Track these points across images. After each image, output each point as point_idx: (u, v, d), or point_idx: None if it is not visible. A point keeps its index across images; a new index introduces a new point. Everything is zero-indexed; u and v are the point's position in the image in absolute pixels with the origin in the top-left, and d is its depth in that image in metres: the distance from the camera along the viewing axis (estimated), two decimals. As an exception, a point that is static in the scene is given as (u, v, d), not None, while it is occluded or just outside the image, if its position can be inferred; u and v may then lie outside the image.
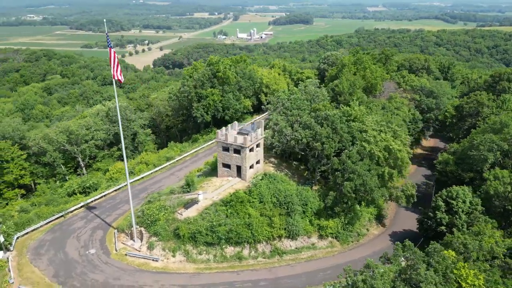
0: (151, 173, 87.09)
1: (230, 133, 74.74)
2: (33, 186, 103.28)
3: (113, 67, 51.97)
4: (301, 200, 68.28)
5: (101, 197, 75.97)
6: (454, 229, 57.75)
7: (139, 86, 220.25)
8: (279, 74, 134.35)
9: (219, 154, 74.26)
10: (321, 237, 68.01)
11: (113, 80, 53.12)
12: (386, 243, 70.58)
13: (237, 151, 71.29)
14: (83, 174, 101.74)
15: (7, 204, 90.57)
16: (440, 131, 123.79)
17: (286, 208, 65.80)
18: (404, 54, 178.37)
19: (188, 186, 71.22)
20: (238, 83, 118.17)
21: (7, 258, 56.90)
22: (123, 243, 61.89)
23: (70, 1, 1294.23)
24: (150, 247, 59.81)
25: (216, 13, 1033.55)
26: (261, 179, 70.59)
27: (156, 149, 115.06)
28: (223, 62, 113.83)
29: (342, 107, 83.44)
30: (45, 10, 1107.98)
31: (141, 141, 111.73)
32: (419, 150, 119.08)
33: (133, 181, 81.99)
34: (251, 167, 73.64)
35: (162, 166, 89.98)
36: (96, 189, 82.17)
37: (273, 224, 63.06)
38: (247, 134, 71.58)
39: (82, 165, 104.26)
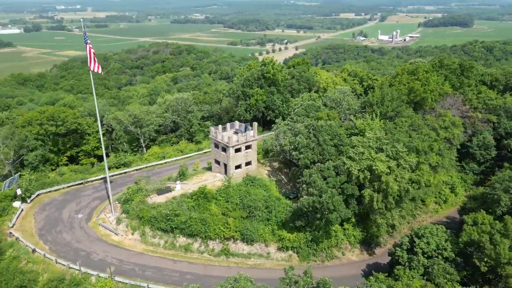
0: (176, 159, 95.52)
1: (227, 132, 77.72)
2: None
3: (90, 60, 61.01)
4: (267, 208, 67.11)
5: (120, 173, 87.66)
6: (396, 270, 49.67)
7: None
8: (344, 79, 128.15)
9: (212, 150, 78.05)
10: (281, 248, 65.82)
11: (90, 72, 62.32)
12: (354, 272, 64.08)
13: (224, 150, 73.98)
14: (142, 153, 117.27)
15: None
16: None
17: (248, 212, 65.94)
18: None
19: (181, 175, 77.22)
20: (291, 85, 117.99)
21: (20, 208, 72.09)
22: (105, 215, 71.52)
23: (230, 1, 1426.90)
24: (118, 222, 67.93)
25: (363, 14, 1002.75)
26: (241, 180, 71.78)
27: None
28: (273, 63, 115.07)
29: (354, 119, 77.14)
30: (208, 10, 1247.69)
31: (194, 131, 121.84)
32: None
33: (156, 164, 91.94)
34: (238, 167, 75.35)
35: (188, 155, 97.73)
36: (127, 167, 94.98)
37: (226, 225, 64.22)
38: (237, 134, 73.53)
39: (143, 145, 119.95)
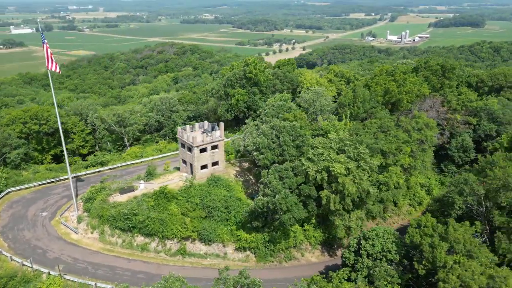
0: (152, 159, 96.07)
1: (195, 132, 77.92)
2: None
3: (48, 60, 61.80)
4: (227, 208, 67.01)
5: (94, 172, 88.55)
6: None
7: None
8: (330, 80, 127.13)
9: (180, 150, 78.29)
10: (239, 249, 65.67)
11: (48, 71, 63.15)
12: (310, 273, 63.41)
13: (190, 149, 74.15)
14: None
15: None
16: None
17: (207, 212, 66.00)
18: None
19: (148, 175, 77.67)
20: (274, 86, 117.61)
21: (-11, 205, 73.45)
22: (69, 213, 72.30)
23: (240, 2, 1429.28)
24: (78, 220, 68.61)
25: (373, 14, 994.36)
26: (205, 180, 71.86)
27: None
28: (256, 64, 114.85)
29: (321, 120, 76.53)
30: (219, 10, 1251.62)
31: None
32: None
33: (131, 164, 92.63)
34: (204, 167, 75.42)
35: (165, 155, 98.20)
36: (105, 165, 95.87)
37: (184, 224, 64.35)
38: (205, 134, 73.68)
39: (127, 144, 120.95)
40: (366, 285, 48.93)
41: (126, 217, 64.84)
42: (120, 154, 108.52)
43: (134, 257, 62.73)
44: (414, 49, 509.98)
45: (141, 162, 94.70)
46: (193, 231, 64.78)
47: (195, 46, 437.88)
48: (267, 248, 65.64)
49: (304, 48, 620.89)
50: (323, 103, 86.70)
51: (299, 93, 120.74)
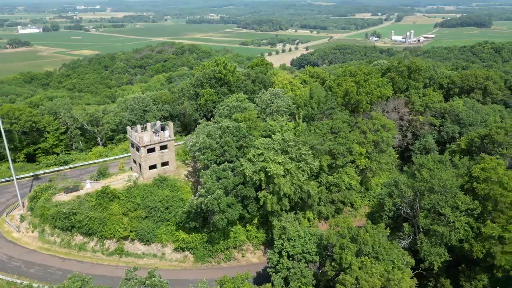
0: (115, 158, 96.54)
1: (146, 132, 78.15)
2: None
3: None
4: (167, 209, 67.08)
5: (52, 172, 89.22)
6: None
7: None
8: (304, 80, 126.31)
9: (130, 149, 78.56)
10: (177, 249, 65.71)
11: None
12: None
13: (138, 149, 74.36)
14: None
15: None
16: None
17: (147, 212, 66.19)
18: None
19: (99, 174, 78.14)
20: (246, 86, 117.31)
21: None
22: (17, 212, 72.98)
23: (246, 2, 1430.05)
24: (21, 219, 69.30)
25: (379, 14, 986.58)
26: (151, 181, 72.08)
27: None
28: (225, 64, 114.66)
29: (269, 121, 76.25)
30: (225, 10, 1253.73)
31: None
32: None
33: (92, 163, 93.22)
34: (153, 167, 75.54)
35: (128, 154, 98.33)
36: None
37: (121, 224, 64.61)
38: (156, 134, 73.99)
39: (100, 143, 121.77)
40: (283, 286, 48.66)
41: (65, 216, 65.28)
42: (86, 153, 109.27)
43: (70, 257, 63.17)
44: (416, 50, 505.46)
45: (104, 161, 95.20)
46: (131, 231, 65.02)
47: (194, 46, 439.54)
48: (206, 249, 65.57)
49: (307, 48, 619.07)
50: (279, 104, 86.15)
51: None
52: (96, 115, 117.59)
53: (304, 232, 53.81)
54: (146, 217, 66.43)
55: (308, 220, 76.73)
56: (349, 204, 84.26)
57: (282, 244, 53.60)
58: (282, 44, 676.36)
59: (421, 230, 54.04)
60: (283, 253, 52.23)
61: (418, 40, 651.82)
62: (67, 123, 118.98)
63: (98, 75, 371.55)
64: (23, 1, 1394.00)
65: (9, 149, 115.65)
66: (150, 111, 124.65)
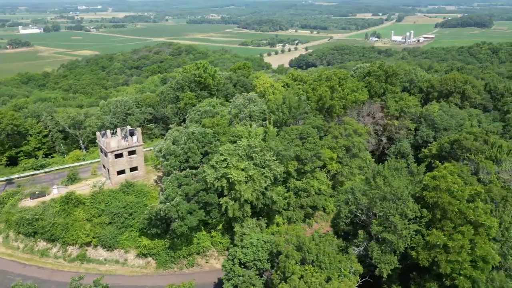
0: (91, 162, 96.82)
1: (116, 137, 78.50)
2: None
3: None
4: (131, 215, 67.41)
5: (27, 176, 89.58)
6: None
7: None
8: (286, 84, 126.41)
9: (100, 154, 78.95)
10: (140, 255, 66.02)
11: None
12: (208, 281, 63.58)
13: (106, 154, 74.75)
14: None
15: None
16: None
17: (110, 218, 66.55)
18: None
19: (68, 179, 78.61)
20: (227, 89, 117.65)
21: None
22: (-15, 216, 73.43)
23: (248, 2, 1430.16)
24: (-13, 224, 69.80)
25: (380, 14, 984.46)
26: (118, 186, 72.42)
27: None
28: (205, 68, 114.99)
29: (237, 126, 76.47)
30: (226, 10, 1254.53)
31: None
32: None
33: (67, 167, 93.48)
34: (121, 172, 75.91)
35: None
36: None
37: (83, 230, 65.01)
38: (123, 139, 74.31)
39: (82, 147, 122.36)
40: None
41: (28, 222, 65.71)
42: (64, 157, 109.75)
43: (31, 262, 63.63)
44: (414, 50, 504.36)
45: (80, 165, 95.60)
46: (94, 237, 65.39)
47: (190, 46, 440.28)
48: (168, 255, 65.82)
49: (306, 49, 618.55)
50: (252, 109, 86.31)
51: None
52: (78, 118, 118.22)
53: (257, 239, 53.95)
54: (110, 223, 66.78)
55: (277, 225, 77.02)
56: (322, 209, 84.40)
57: (235, 252, 53.81)
58: (281, 44, 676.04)
59: (374, 237, 54.13)
60: (235, 260, 52.47)
61: (418, 41, 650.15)
62: (48, 126, 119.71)
63: (95, 76, 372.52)
64: (24, 1, 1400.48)
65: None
66: (133, 114, 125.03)
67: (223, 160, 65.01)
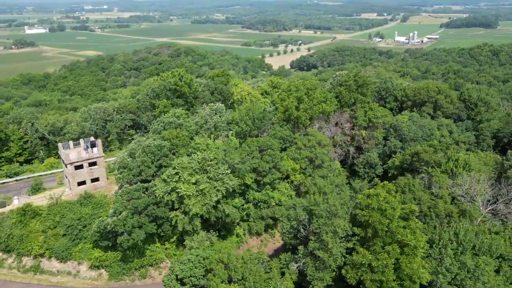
0: (61, 171, 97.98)
1: (78, 148, 79.78)
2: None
3: None
4: (85, 227, 68.55)
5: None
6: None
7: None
8: (265, 91, 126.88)
9: (62, 164, 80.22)
10: (92, 267, 67.14)
11: None
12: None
13: (66, 166, 76.00)
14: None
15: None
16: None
17: (65, 230, 67.80)
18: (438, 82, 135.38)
19: (33, 189, 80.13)
20: (204, 97, 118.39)
21: None
22: (-51, 225, 75.02)
23: (253, 2, 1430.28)
24: None
25: (385, 14, 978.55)
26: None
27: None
28: (181, 76, 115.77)
29: (197, 138, 77.34)
30: (231, 10, 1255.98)
31: (110, 140, 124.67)
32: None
33: (38, 176, 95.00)
34: (82, 183, 77.16)
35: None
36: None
37: (37, 242, 66.33)
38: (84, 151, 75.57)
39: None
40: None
41: (-15, 233, 67.29)
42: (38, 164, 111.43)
43: (-16, 273, 65.17)
44: (415, 52, 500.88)
45: (51, 173, 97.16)
46: (47, 249, 66.68)
47: (189, 48, 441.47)
48: (120, 267, 66.86)
49: (309, 49, 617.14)
50: (217, 120, 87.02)
51: (231, 105, 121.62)
52: (57, 125, 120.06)
53: (196, 256, 54.80)
54: (64, 234, 67.98)
55: (237, 236, 77.84)
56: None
57: (174, 267, 54.69)
58: (284, 45, 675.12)
59: (311, 254, 54.64)
60: (172, 276, 53.40)
61: (422, 41, 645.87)
62: (27, 133, 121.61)
63: (94, 77, 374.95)
64: (32, 1, 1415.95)
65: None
66: (112, 121, 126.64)
67: (175, 174, 65.89)
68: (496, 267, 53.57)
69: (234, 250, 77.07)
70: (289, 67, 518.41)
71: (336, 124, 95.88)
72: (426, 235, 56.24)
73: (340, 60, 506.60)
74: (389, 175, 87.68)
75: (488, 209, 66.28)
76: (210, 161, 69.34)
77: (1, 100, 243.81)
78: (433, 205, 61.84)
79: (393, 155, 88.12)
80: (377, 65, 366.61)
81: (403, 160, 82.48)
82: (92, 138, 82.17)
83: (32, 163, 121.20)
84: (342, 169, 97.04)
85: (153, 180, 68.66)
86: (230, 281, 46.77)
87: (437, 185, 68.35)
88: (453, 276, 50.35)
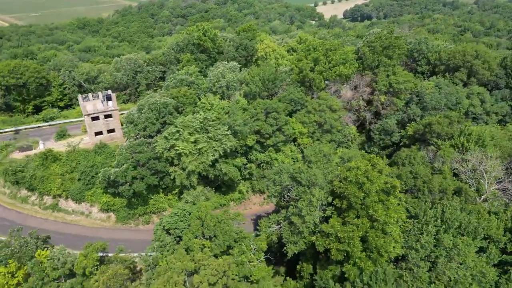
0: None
1: (96, 100, 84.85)
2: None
3: None
4: (97, 174, 74.43)
5: (33, 127, 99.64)
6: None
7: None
8: (291, 48, 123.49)
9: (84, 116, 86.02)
10: (103, 209, 73.78)
11: None
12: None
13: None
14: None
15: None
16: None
17: (79, 175, 74.42)
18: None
19: (58, 135, 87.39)
20: (228, 53, 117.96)
21: None
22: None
23: None
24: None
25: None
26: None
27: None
28: (205, 30, 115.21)
29: (203, 97, 78.96)
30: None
31: (140, 91, 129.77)
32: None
33: (69, 122, 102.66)
34: (99, 133, 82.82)
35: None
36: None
37: (56, 184, 73.64)
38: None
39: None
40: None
41: (12, 172, 75.41)
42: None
43: (11, 207, 73.99)
44: (486, 3, 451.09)
45: (79, 121, 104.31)
46: (64, 190, 73.93)
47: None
48: (126, 212, 72.93)
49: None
50: (230, 79, 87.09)
51: (255, 61, 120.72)
52: (91, 74, 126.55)
53: (183, 210, 58.48)
54: (79, 179, 74.68)
55: (239, 192, 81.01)
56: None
57: (163, 219, 59.07)
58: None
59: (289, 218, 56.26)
60: (161, 226, 57.90)
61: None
62: (65, 80, 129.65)
63: (143, 24, 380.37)
64: None
65: (18, 101, 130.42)
66: (142, 72, 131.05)
67: (176, 132, 68.73)
68: (478, 248, 52.30)
69: (236, 205, 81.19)
70: (342, 17, 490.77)
71: (355, 87, 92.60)
72: (411, 211, 55.54)
73: (398, 11, 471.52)
74: (401, 144, 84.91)
75: (494, 187, 63.11)
76: (212, 121, 71.19)
77: (56, 44, 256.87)
78: (428, 180, 60.02)
79: (408, 125, 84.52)
80: (437, 18, 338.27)
81: (416, 130, 79.13)
82: (109, 92, 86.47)
83: (74, 108, 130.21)
84: (358, 134, 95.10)
85: (157, 136, 72.06)
86: (204, 237, 50.14)
87: (440, 159, 65.64)
88: (427, 253, 50.05)
